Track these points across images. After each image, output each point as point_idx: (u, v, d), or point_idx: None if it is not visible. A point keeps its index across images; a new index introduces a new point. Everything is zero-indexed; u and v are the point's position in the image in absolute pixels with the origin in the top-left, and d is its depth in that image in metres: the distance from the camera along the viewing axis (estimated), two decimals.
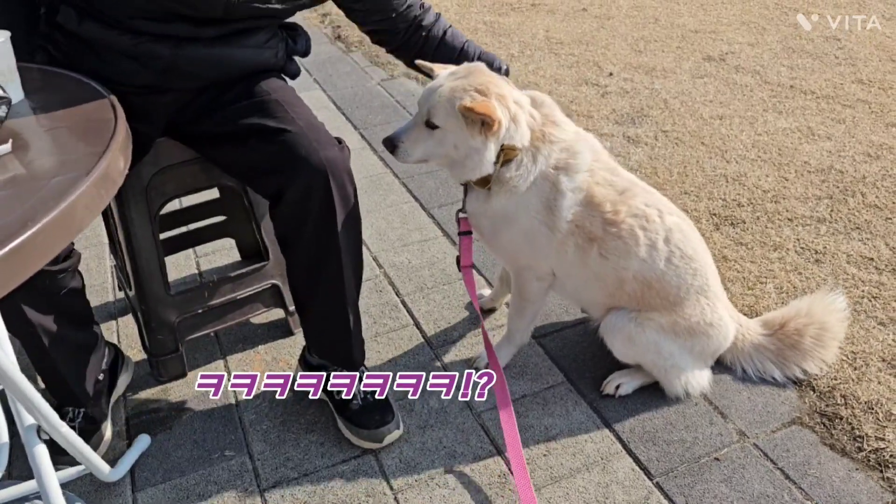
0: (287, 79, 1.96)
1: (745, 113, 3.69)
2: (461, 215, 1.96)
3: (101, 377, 1.93)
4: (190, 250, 2.70)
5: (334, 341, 1.89)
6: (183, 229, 2.48)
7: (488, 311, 2.34)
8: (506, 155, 1.79)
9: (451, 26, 2.05)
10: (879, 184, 3.00)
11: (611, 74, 4.21)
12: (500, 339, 2.13)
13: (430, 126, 1.78)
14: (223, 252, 2.69)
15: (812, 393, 2.01)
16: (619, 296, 1.93)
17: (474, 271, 2.52)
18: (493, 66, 1.94)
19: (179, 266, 2.63)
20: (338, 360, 1.92)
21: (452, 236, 2.73)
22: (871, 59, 4.34)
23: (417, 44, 2.00)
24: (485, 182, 1.85)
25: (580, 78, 4.18)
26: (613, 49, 4.62)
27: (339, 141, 1.77)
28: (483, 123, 1.71)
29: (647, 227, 1.86)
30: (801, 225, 2.74)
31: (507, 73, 2.00)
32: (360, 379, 1.91)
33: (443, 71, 1.84)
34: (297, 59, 1.99)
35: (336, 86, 4.24)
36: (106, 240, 2.69)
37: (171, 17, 1.64)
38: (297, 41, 1.94)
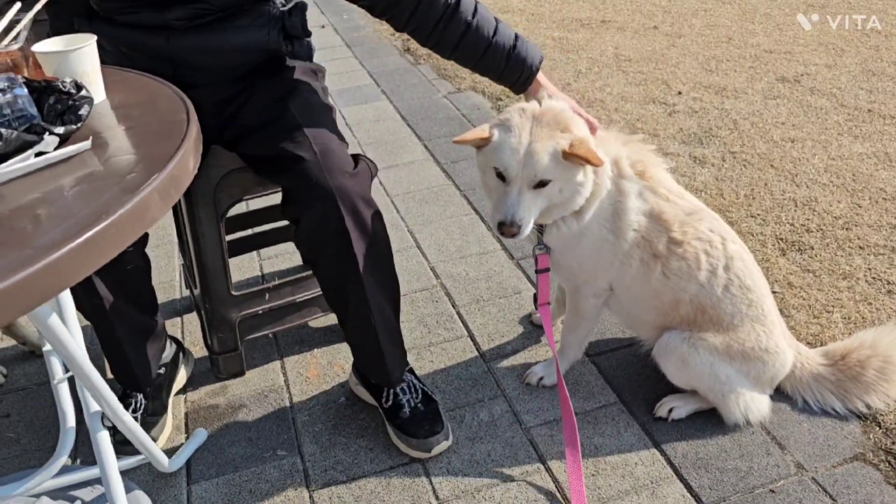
0: (315, 84, 1.94)
1: (819, 136, 3.58)
2: (538, 252, 1.89)
3: (161, 370, 2.00)
4: (254, 253, 2.77)
5: (368, 358, 1.91)
6: (248, 232, 2.55)
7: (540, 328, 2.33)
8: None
9: (476, 10, 1.84)
10: None
11: (679, 93, 4.15)
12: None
13: (540, 185, 1.67)
14: (286, 256, 2.75)
15: (878, 428, 1.93)
16: (673, 316, 1.90)
17: (529, 282, 2.52)
18: (525, 63, 1.86)
19: (243, 268, 2.71)
20: (374, 376, 1.95)
21: (511, 250, 2.73)
22: None
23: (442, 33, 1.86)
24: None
25: (648, 96, 4.13)
26: (683, 68, 4.56)
27: (357, 162, 1.77)
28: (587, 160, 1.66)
29: (710, 252, 1.83)
30: (873, 254, 2.64)
31: (541, 62, 1.92)
32: (412, 388, 1.93)
33: (494, 131, 1.69)
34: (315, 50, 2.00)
35: (403, 97, 4.30)
36: (175, 239, 2.79)
37: (136, 3, 1.69)
38: (292, 14, 1.82)
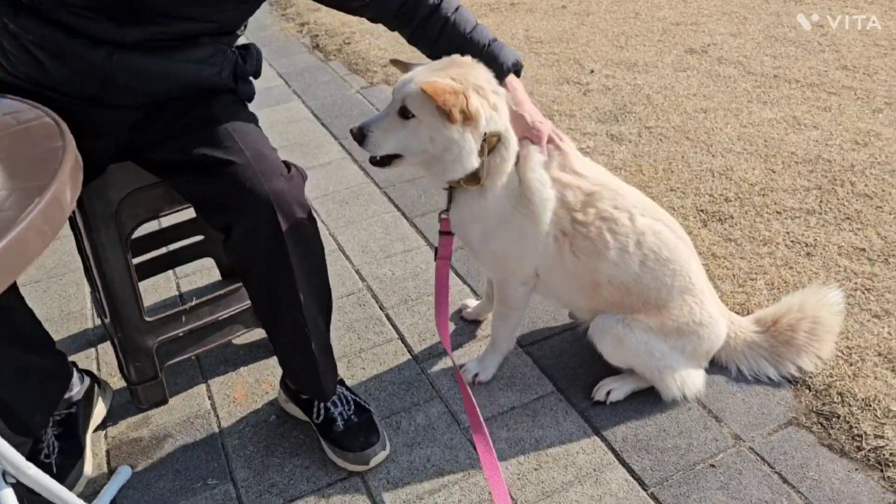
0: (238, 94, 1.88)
1: (730, 105, 3.65)
2: (444, 216, 1.88)
3: (73, 409, 1.87)
4: (170, 272, 2.64)
5: (301, 371, 1.83)
6: (162, 250, 2.42)
7: (474, 323, 2.29)
8: (489, 144, 1.72)
9: (458, 8, 1.87)
10: (868, 172, 2.95)
11: (592, 72, 4.17)
12: (485, 348, 2.08)
13: (405, 116, 1.67)
14: (204, 272, 2.63)
15: (808, 392, 1.96)
16: (598, 299, 1.89)
17: (458, 278, 2.48)
18: (497, 61, 1.82)
19: (159, 288, 2.58)
20: (307, 390, 1.87)
21: (436, 244, 2.67)
22: (855, 44, 4.31)
23: (420, 29, 1.86)
24: (476, 179, 1.76)
25: (561, 77, 4.13)
26: (594, 46, 4.58)
27: (290, 168, 1.71)
28: (463, 115, 1.63)
29: (617, 230, 1.82)
30: (790, 218, 2.70)
31: (518, 68, 1.88)
32: (344, 400, 1.86)
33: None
34: (253, 79, 1.92)
35: (315, 95, 4.19)
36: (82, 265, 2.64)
37: (91, 9, 1.57)
38: (248, 60, 1.85)
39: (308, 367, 1.81)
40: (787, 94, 3.72)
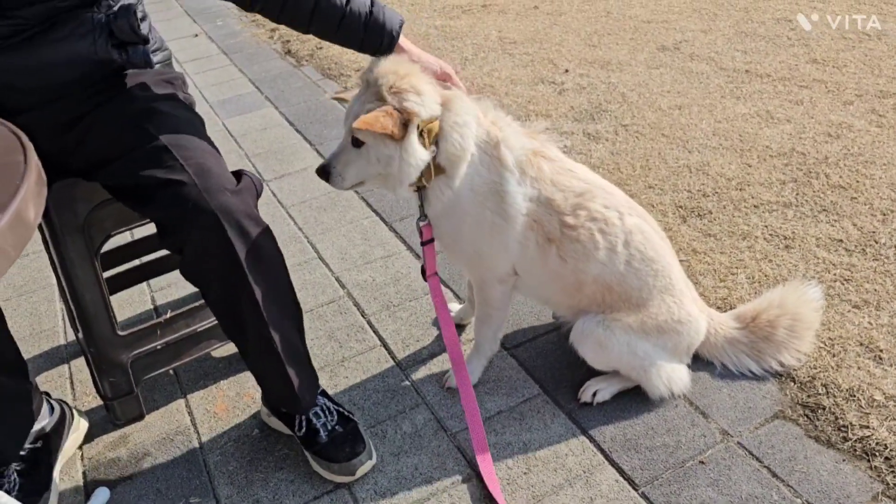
0: (176, 94, 1.78)
1: (704, 101, 3.66)
2: (422, 224, 1.86)
3: (38, 443, 1.79)
4: (144, 285, 2.59)
5: (275, 387, 1.79)
6: (135, 262, 2.36)
7: (457, 327, 2.26)
8: (429, 133, 1.70)
9: None
10: (842, 163, 2.97)
11: (566, 71, 4.16)
12: (470, 353, 2.05)
13: (356, 144, 1.71)
14: (181, 284, 2.57)
15: (793, 384, 1.96)
16: (580, 298, 1.88)
17: (443, 286, 2.45)
18: (385, 29, 1.78)
19: (134, 302, 2.52)
20: (283, 404, 1.83)
21: (416, 249, 2.64)
22: (823, 38, 4.35)
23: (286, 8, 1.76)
24: (437, 170, 1.74)
25: (536, 77, 4.12)
26: (567, 45, 4.58)
27: (240, 179, 1.65)
28: (404, 125, 1.64)
29: (607, 230, 1.80)
30: (767, 211, 2.71)
31: (401, 25, 1.83)
32: (327, 411, 1.82)
33: (350, 94, 1.78)
34: (161, 51, 1.81)
35: (289, 101, 4.14)
36: (55, 281, 2.57)
37: None
38: (118, 17, 1.62)
39: (281, 382, 1.76)
40: (759, 89, 3.74)
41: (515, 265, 1.89)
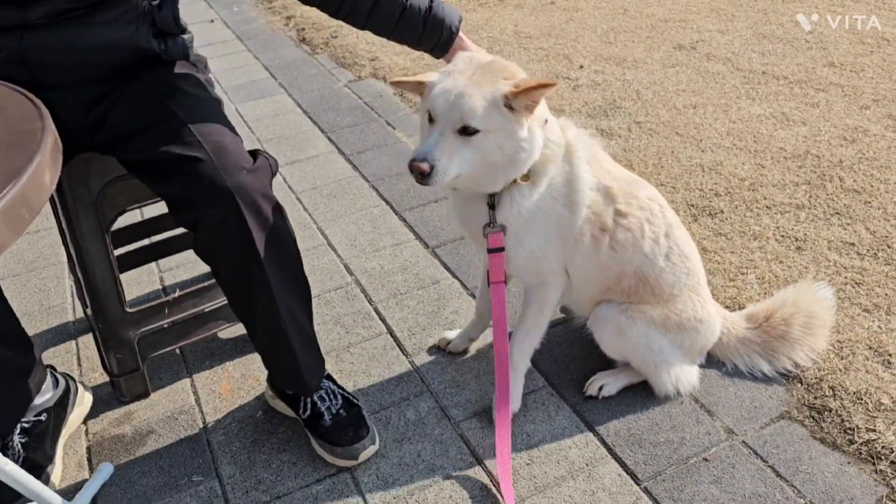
0: (198, 76, 1.79)
1: (719, 101, 3.64)
2: (490, 230, 1.72)
3: (42, 416, 1.80)
4: (153, 265, 2.59)
5: (282, 367, 1.79)
6: (144, 242, 2.37)
7: (460, 355, 2.12)
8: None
9: None
10: (856, 167, 2.95)
11: (581, 67, 4.15)
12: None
13: (467, 133, 1.54)
14: (188, 266, 2.58)
15: (800, 386, 1.95)
16: (615, 290, 1.86)
17: (446, 271, 2.44)
18: (445, 24, 1.76)
19: (142, 282, 2.53)
20: (290, 386, 1.83)
21: (425, 239, 2.64)
22: (842, 41, 4.32)
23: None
24: (526, 175, 1.67)
25: (550, 72, 4.11)
26: (583, 41, 4.56)
27: (256, 158, 1.65)
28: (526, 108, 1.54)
29: (652, 220, 1.80)
30: (779, 212, 2.69)
31: (460, 21, 1.81)
32: (332, 394, 1.82)
33: (434, 75, 1.61)
34: (199, 51, 1.82)
35: (302, 89, 4.14)
36: (65, 258, 2.59)
37: None
38: (163, 8, 1.68)
39: (288, 363, 1.76)
40: (775, 91, 3.72)
41: (567, 263, 1.83)
